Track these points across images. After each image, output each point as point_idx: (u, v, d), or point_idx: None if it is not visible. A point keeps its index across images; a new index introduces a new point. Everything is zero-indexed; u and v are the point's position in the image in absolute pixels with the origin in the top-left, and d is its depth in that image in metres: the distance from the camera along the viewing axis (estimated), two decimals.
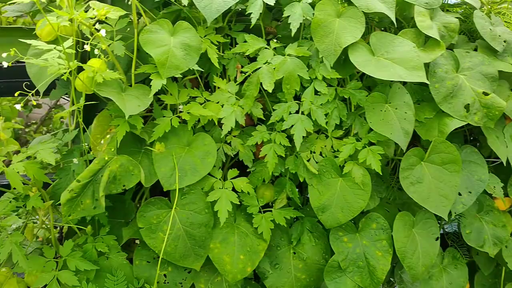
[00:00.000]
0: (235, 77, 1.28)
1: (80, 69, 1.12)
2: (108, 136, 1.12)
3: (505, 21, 1.41)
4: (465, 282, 1.52)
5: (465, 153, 1.34)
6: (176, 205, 1.20)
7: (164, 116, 1.18)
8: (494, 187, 1.35)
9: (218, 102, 1.23)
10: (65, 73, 1.02)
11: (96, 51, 1.11)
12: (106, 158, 1.08)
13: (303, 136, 1.23)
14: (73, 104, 1.14)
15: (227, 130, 1.19)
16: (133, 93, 1.09)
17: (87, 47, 1.05)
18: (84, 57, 1.23)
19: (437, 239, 1.33)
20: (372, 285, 1.28)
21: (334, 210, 1.23)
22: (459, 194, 1.30)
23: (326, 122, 1.22)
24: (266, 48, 1.25)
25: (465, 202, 1.30)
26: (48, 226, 1.25)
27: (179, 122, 1.20)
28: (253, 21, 1.18)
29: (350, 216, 1.23)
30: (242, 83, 1.25)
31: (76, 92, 1.16)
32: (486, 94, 1.23)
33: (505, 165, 1.33)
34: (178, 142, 1.21)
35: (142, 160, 1.18)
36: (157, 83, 1.07)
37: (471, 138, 1.58)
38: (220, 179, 1.24)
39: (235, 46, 1.27)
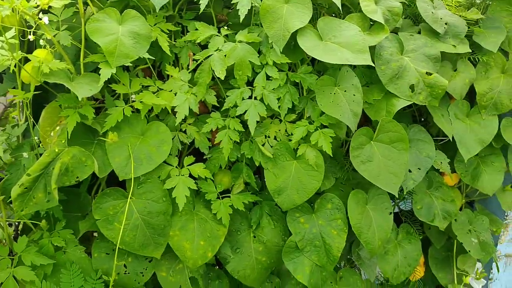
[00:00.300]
0: (188, 65, 1.28)
1: (27, 61, 1.10)
2: (58, 128, 1.10)
3: (447, 4, 1.47)
4: (419, 255, 1.59)
5: (413, 132, 1.40)
6: (133, 194, 1.20)
7: (116, 106, 1.17)
8: (441, 163, 1.42)
9: (171, 91, 1.23)
10: (10, 65, 1.00)
11: (41, 42, 1.09)
12: (57, 150, 1.06)
13: (257, 121, 1.25)
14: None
15: (181, 118, 1.20)
16: (83, 81, 1.08)
17: (31, 37, 1.03)
18: (31, 48, 1.20)
19: (390, 213, 1.39)
20: (328, 263, 1.32)
21: (290, 192, 1.26)
22: (409, 171, 1.36)
23: (279, 106, 1.24)
24: (217, 35, 1.26)
25: (415, 178, 1.36)
26: (1, 223, 1.22)
27: (132, 112, 1.20)
28: (202, 8, 1.19)
29: (305, 197, 1.26)
30: (194, 71, 1.25)
31: (25, 85, 1.13)
32: (429, 74, 1.28)
33: (451, 140, 1.40)
34: (132, 132, 1.20)
35: (96, 151, 1.17)
36: (106, 72, 1.06)
37: (420, 119, 1.65)
38: (176, 167, 1.24)
39: (187, 34, 1.27)
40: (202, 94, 1.21)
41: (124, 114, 1.16)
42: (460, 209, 1.65)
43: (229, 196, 1.32)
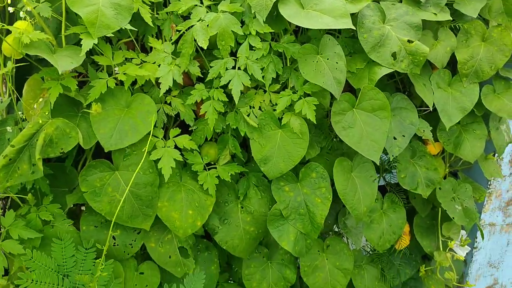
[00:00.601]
0: (171, 37, 1.28)
1: (8, 35, 1.09)
2: (41, 100, 1.10)
3: None
4: (403, 223, 1.63)
5: (396, 100, 1.42)
6: (119, 166, 1.21)
7: (100, 78, 1.17)
8: (424, 130, 1.44)
9: (154, 63, 1.23)
10: None
11: (21, 14, 1.08)
12: (41, 122, 1.06)
13: (242, 92, 1.26)
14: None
15: (165, 89, 1.20)
16: (64, 53, 1.07)
17: (11, 9, 1.02)
18: (11, 21, 1.19)
19: (374, 181, 1.41)
20: (313, 230, 1.34)
21: (276, 160, 1.28)
22: (394, 138, 1.38)
23: (263, 77, 1.25)
24: (199, 5, 1.26)
25: (400, 145, 1.38)
26: None
27: (116, 84, 1.20)
28: None
29: (291, 165, 1.28)
30: (177, 42, 1.25)
31: (7, 59, 1.13)
32: (410, 41, 1.30)
33: (431, 109, 1.42)
34: (116, 104, 1.20)
35: (80, 123, 1.17)
36: (87, 42, 1.06)
37: (404, 91, 1.67)
38: (162, 139, 1.25)
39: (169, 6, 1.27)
40: (185, 65, 1.22)
41: (107, 86, 1.16)
42: (444, 178, 1.68)
43: (215, 168, 1.33)
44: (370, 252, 1.81)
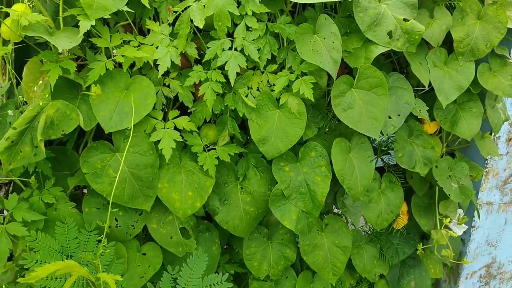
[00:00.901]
0: (168, 19, 1.29)
1: (6, 18, 1.10)
2: (41, 82, 1.11)
3: None
4: (401, 203, 1.65)
5: (392, 79, 1.43)
6: (120, 148, 1.22)
7: (98, 61, 1.18)
8: (420, 110, 1.46)
9: (152, 45, 1.24)
10: None
11: None
12: (41, 104, 1.08)
13: (239, 73, 1.27)
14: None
15: (163, 71, 1.21)
16: (63, 34, 1.08)
17: None
18: (9, 5, 1.20)
19: (372, 161, 1.43)
20: (314, 208, 1.36)
21: (274, 140, 1.29)
22: (389, 117, 1.40)
23: (259, 57, 1.26)
24: None
25: (395, 124, 1.40)
26: None
27: (115, 67, 1.21)
28: None
29: (289, 145, 1.29)
30: (174, 24, 1.26)
31: (6, 43, 1.14)
32: (406, 20, 1.31)
33: (427, 88, 1.43)
34: (116, 86, 1.21)
35: (80, 105, 1.18)
36: (85, 24, 1.07)
37: (401, 71, 1.68)
38: (161, 120, 1.26)
39: None
40: (182, 45, 1.22)
41: (106, 68, 1.17)
42: (441, 157, 1.70)
43: (215, 149, 1.34)
44: (369, 232, 1.84)
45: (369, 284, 1.98)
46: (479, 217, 2.00)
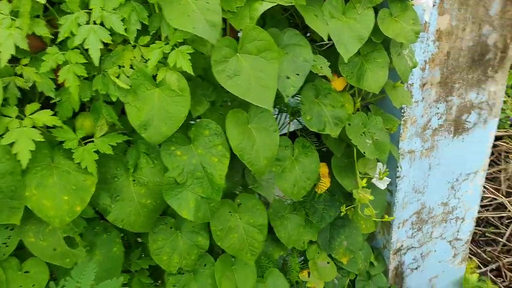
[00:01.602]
0: None
1: None
2: None
3: None
4: (317, 167, 1.55)
5: (288, 36, 1.29)
6: None
7: None
8: (321, 67, 1.33)
9: None
10: None
11: None
12: None
13: (107, 50, 1.08)
14: None
15: (6, 58, 0.99)
16: None
17: None
18: None
19: (275, 131, 1.30)
20: (214, 192, 1.23)
21: (157, 123, 1.12)
22: (287, 77, 1.26)
23: (126, 29, 1.07)
24: None
25: (294, 84, 1.27)
26: None
27: None
28: None
29: (175, 127, 1.13)
30: None
31: None
32: None
33: (326, 41, 1.30)
34: None
35: None
36: None
37: (302, 26, 1.54)
38: (16, 118, 1.06)
39: None
40: (27, 25, 1.01)
41: None
42: (354, 114, 1.60)
43: (93, 141, 1.16)
44: (292, 201, 1.75)
45: (300, 252, 1.91)
46: (401, 168, 1.96)
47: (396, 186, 2.06)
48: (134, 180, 1.25)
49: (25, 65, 1.08)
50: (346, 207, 1.74)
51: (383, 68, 1.45)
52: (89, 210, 1.25)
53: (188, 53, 1.07)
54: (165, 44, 1.10)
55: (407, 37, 1.37)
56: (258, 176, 1.27)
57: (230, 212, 1.42)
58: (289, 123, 1.61)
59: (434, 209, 2.29)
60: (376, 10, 1.38)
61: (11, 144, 1.03)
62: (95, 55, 1.03)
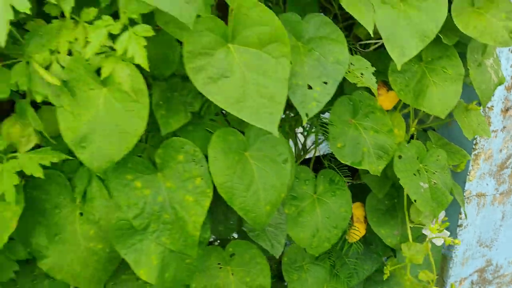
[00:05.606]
0: None
1: None
2: None
3: None
4: (348, 213, 1.13)
5: (313, 26, 0.88)
6: None
7: None
8: (362, 74, 0.91)
9: None
10: None
11: None
12: None
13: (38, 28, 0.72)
14: None
15: None
16: None
17: None
18: None
19: (285, 162, 0.89)
20: (187, 245, 0.84)
21: (100, 140, 0.75)
22: (309, 87, 0.85)
23: None
24: None
25: (320, 98, 0.85)
26: None
27: None
28: None
29: (125, 147, 0.75)
30: None
31: None
32: None
33: (372, 34, 0.88)
34: None
35: None
36: None
37: (344, 18, 1.12)
38: None
39: None
40: None
41: None
42: (408, 142, 1.16)
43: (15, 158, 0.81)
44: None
45: None
46: (466, 217, 1.49)
47: (457, 237, 1.60)
48: (81, 214, 0.89)
49: None
50: (390, 266, 1.29)
51: (455, 83, 1.00)
52: (21, 250, 0.91)
53: (145, 38, 0.69)
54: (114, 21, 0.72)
55: (497, 37, 0.92)
56: (256, 227, 0.87)
57: (219, 264, 1.03)
58: (315, 148, 1.19)
59: (502, 268, 1.83)
60: None
61: None
62: (1, 30, 0.66)
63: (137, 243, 0.85)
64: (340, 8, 1.04)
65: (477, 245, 1.67)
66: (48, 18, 0.76)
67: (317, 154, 1.21)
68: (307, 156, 1.24)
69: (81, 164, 0.90)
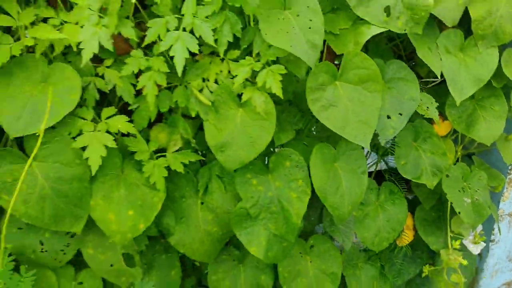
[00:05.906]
0: None
1: None
2: None
3: None
4: (404, 218, 1.36)
5: (392, 69, 1.13)
6: (36, 156, 0.96)
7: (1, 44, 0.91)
8: (428, 108, 1.16)
9: (77, 23, 0.96)
10: None
11: None
12: None
13: (193, 60, 0.99)
14: None
15: (87, 57, 0.93)
16: None
17: None
18: None
19: (363, 173, 1.14)
20: (288, 231, 1.09)
21: (236, 147, 1.01)
22: (388, 117, 1.10)
23: (216, 40, 0.98)
24: None
25: (395, 126, 1.10)
26: None
27: (29, 52, 0.94)
28: None
29: (254, 154, 1.01)
30: None
31: None
32: None
33: (439, 79, 1.13)
34: (29, 78, 0.95)
35: None
36: None
37: (409, 58, 1.37)
38: (92, 121, 1.00)
39: None
40: (113, 25, 0.94)
41: (11, 53, 0.90)
42: (455, 164, 1.40)
43: (165, 156, 1.08)
44: (367, 249, 1.56)
45: None
46: (500, 233, 1.70)
47: (488, 251, 1.80)
48: (202, 203, 1.15)
49: (108, 66, 1.02)
50: (429, 267, 1.52)
51: (500, 118, 1.24)
52: (153, 228, 1.16)
53: (280, 74, 0.96)
54: (256, 61, 0.99)
55: None
56: (338, 222, 1.11)
57: (300, 253, 1.27)
58: (377, 163, 1.44)
59: None
60: (500, 49, 1.19)
61: (83, 148, 0.96)
62: (179, 64, 0.93)
63: (249, 227, 1.10)
64: (408, 54, 1.30)
65: (507, 260, 1.86)
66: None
67: (378, 168, 1.45)
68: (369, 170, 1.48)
69: (201, 165, 1.17)
